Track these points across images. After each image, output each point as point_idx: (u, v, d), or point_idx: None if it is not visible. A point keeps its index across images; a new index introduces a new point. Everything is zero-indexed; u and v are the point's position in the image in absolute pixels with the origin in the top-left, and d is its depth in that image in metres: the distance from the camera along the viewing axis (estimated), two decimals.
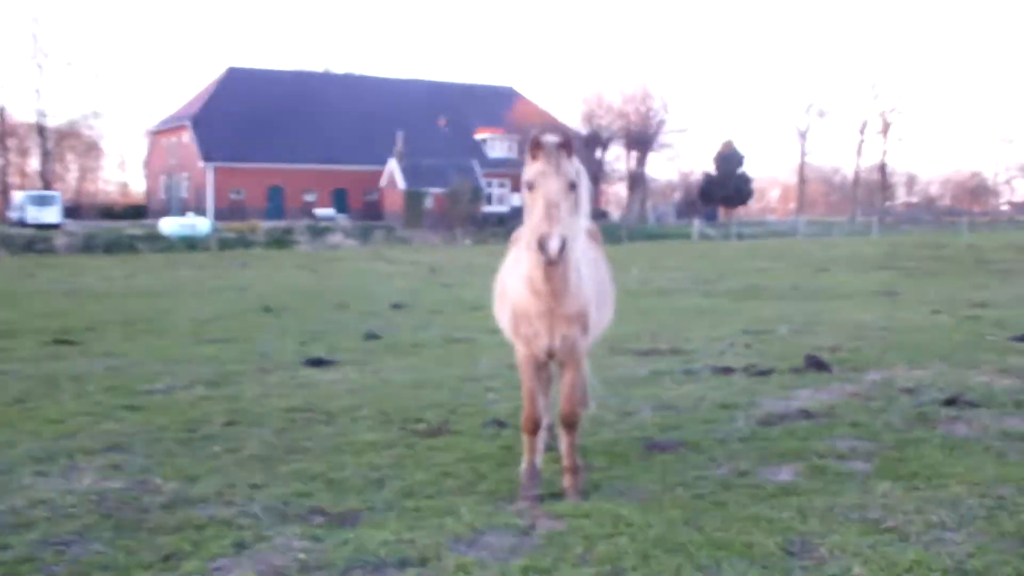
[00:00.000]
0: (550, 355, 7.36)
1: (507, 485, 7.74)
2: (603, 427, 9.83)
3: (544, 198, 6.48)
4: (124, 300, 25.94)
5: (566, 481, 7.56)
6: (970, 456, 8.36)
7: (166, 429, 9.76)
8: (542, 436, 7.71)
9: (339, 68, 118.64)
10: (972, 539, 6.29)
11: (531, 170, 6.70)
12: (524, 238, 7.03)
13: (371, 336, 17.29)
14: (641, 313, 20.85)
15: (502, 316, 7.96)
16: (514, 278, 7.42)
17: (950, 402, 10.50)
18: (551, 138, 6.74)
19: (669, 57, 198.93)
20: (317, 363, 14.14)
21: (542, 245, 6.35)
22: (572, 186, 6.69)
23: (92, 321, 20.18)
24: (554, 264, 6.53)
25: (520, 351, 7.48)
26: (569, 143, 6.76)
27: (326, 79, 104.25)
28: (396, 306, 23.40)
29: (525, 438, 7.65)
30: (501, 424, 9.88)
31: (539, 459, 7.68)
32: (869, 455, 8.52)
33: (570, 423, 7.54)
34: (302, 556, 6.11)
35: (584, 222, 7.29)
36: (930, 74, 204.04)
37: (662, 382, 12.45)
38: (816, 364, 13.12)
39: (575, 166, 6.83)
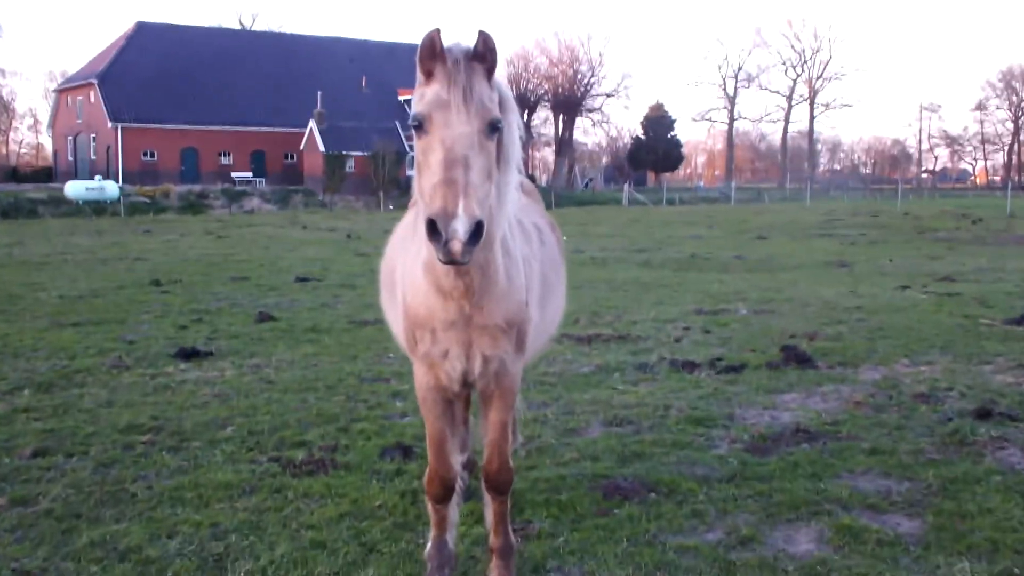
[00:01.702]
0: (466, 384, 4.81)
1: (406, 568, 5.27)
2: (543, 455, 7.40)
3: (443, 147, 3.87)
4: None
5: (493, 568, 5.08)
6: None
7: None
8: (455, 504, 5.19)
9: (256, 25, 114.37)
10: None
11: (424, 97, 4.09)
12: (418, 208, 4.44)
13: (264, 318, 14.64)
14: (575, 287, 18.35)
15: (392, 317, 5.39)
16: (409, 262, 4.79)
17: (983, 414, 8.24)
18: (458, 45, 4.15)
19: (598, 20, 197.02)
20: (189, 355, 11.49)
21: (436, 230, 3.75)
22: (493, 127, 4.04)
23: None
24: (458, 263, 3.87)
25: (420, 376, 4.87)
26: (491, 52, 4.13)
27: (242, 36, 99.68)
28: (301, 279, 20.70)
29: (430, 507, 5.14)
30: (406, 451, 7.40)
31: (452, 536, 5.19)
32: (912, 505, 6.18)
33: (499, 485, 5.02)
34: None
35: (516, 177, 4.58)
36: (854, 42, 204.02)
37: (611, 382, 10.06)
38: (797, 357, 10.82)
39: (498, 92, 4.24)
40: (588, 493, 6.46)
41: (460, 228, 3.67)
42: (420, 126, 4.02)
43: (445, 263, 3.83)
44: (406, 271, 4.79)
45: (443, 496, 5.04)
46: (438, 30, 4.07)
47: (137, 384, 9.96)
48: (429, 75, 4.10)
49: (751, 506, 6.20)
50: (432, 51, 4.06)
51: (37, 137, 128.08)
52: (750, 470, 6.95)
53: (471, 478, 6.28)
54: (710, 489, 6.54)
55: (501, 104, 4.23)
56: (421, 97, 4.09)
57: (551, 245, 5.64)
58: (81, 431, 8.03)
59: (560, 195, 75.54)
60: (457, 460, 5.24)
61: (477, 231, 3.73)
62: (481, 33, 4.11)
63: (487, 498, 5.13)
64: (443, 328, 4.57)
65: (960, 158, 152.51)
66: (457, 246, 3.68)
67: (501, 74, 4.36)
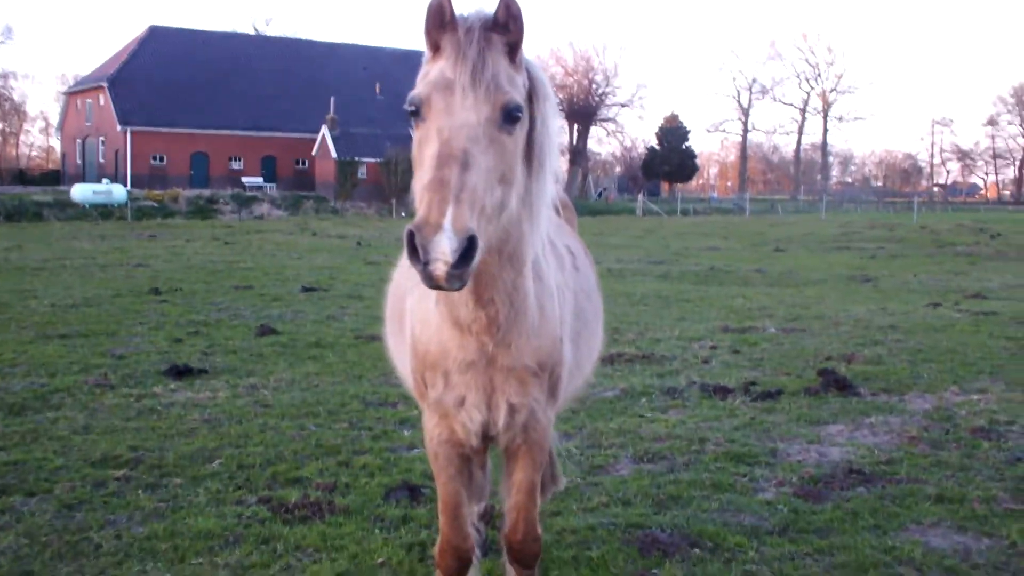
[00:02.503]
0: (486, 438, 3.94)
1: None
2: (569, 498, 6.55)
3: (439, 139, 3.04)
4: None
5: None
6: None
7: None
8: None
9: (270, 30, 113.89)
10: None
11: (427, 76, 3.26)
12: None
13: (265, 331, 13.80)
14: None
15: (399, 355, 4.50)
16: (416, 288, 3.85)
17: None
18: (477, 12, 3.29)
19: (614, 30, 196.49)
20: (180, 372, 10.67)
21: (415, 249, 2.90)
22: (510, 116, 3.16)
23: None
24: (440, 289, 3.00)
25: (431, 428, 4.00)
26: (514, 20, 3.25)
27: (256, 41, 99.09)
28: (308, 289, 19.87)
29: None
30: (414, 492, 6.56)
31: None
32: (997, 569, 5.31)
33: (524, 558, 4.18)
34: None
35: (552, 186, 3.65)
36: (867, 56, 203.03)
37: (639, 408, 9.22)
38: (836, 383, 9.97)
39: (529, 74, 3.38)
40: (622, 548, 5.60)
41: (445, 246, 2.83)
42: (417, 111, 3.19)
43: (431, 288, 2.98)
44: (419, 299, 3.90)
45: (457, 570, 4.17)
46: None
47: (119, 407, 9.12)
48: (436, 49, 3.26)
49: (812, 567, 5.34)
50: (440, 18, 3.23)
51: (47, 140, 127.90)
52: (804, 520, 6.10)
53: (489, 529, 5.46)
54: (761, 544, 5.68)
55: (532, 90, 3.38)
56: (424, 76, 3.25)
57: (586, 271, 4.74)
58: (49, 464, 7.19)
59: (575, 204, 74.82)
60: (474, 513, 4.41)
61: (469, 250, 2.87)
62: (506, 2, 3.23)
63: (509, 571, 4.29)
64: (459, 370, 3.72)
65: (971, 172, 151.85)
66: (440, 269, 2.85)
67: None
